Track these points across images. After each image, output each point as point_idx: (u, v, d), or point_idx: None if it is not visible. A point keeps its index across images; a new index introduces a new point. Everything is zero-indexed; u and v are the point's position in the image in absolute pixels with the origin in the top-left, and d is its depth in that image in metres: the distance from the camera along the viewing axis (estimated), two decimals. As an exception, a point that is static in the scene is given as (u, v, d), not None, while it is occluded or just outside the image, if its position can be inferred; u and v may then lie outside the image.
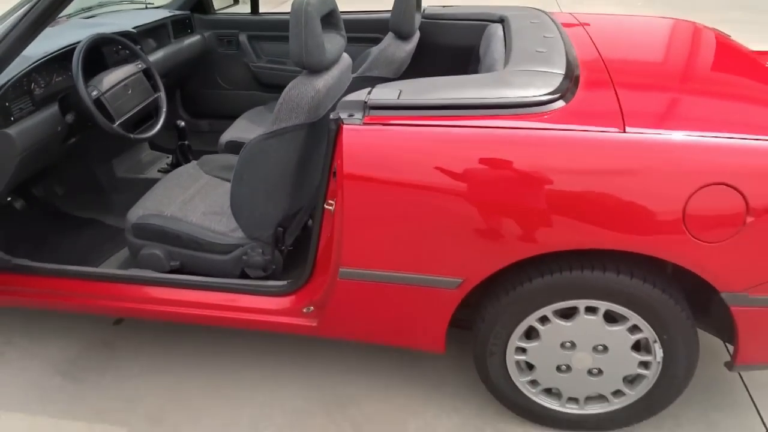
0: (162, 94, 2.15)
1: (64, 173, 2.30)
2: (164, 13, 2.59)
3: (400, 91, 1.45)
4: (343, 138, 1.40)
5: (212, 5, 2.77)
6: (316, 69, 1.58)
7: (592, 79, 1.54)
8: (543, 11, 2.17)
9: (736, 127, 1.34)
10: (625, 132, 1.32)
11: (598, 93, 1.48)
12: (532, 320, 1.52)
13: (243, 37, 2.71)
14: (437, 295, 1.50)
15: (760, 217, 1.28)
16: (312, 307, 1.66)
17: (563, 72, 1.52)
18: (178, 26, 2.63)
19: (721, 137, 1.30)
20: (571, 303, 1.47)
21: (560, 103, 1.39)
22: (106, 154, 2.38)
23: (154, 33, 2.49)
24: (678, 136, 1.31)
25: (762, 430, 1.67)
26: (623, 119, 1.34)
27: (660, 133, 1.32)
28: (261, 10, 2.77)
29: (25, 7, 1.49)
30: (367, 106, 1.42)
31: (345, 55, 1.83)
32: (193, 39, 2.67)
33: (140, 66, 2.06)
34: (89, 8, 2.53)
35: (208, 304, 1.74)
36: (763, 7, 6.74)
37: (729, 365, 1.52)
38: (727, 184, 1.28)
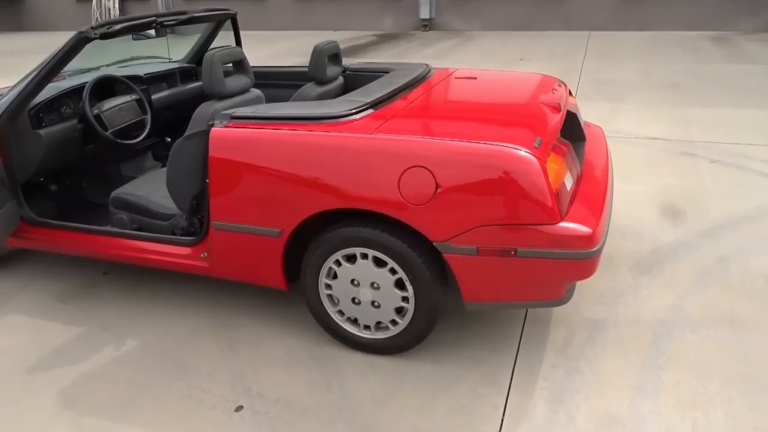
0: (147, 117, 3.13)
1: (87, 171, 3.31)
2: (175, 65, 3.63)
3: (256, 109, 2.29)
4: (211, 135, 2.25)
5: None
6: (217, 96, 2.46)
7: (389, 108, 2.30)
8: (427, 66, 2.99)
9: (444, 134, 2.05)
10: (371, 135, 2.07)
11: (380, 115, 2.24)
12: (330, 263, 2.24)
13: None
14: (268, 242, 2.27)
15: (443, 190, 1.97)
16: (206, 254, 2.47)
17: (368, 101, 2.30)
18: (185, 74, 3.65)
19: (425, 139, 2.02)
20: (351, 250, 2.18)
21: (351, 118, 2.17)
22: (115, 160, 3.39)
23: (166, 78, 3.52)
24: (400, 137, 2.04)
25: (512, 361, 2.24)
26: (378, 128, 2.09)
27: (389, 137, 2.05)
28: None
29: (42, 62, 2.50)
30: (230, 117, 2.27)
31: (256, 91, 2.70)
32: (195, 84, 3.68)
33: (134, 97, 3.06)
34: (128, 59, 3.61)
35: (148, 250, 2.59)
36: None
37: (465, 304, 2.15)
38: (422, 166, 1.98)
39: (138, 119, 3.06)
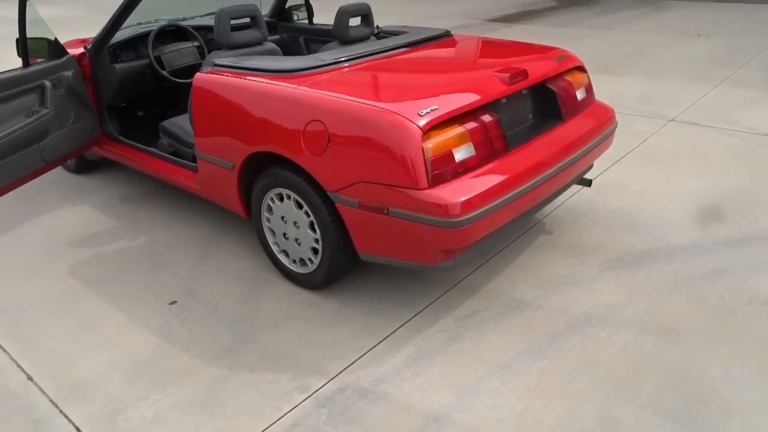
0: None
1: (162, 101, 3.99)
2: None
3: (238, 60, 2.66)
4: (194, 78, 2.68)
5: (292, 17, 4.21)
6: (224, 46, 2.88)
7: (342, 67, 2.52)
8: (440, 32, 3.12)
9: (348, 92, 2.21)
10: (296, 88, 2.32)
11: (327, 72, 2.46)
12: (267, 199, 2.56)
13: (301, 39, 4.10)
14: (227, 174, 2.67)
15: (333, 143, 2.15)
16: (200, 179, 2.96)
17: (328, 60, 2.53)
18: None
19: (327, 94, 2.21)
20: (279, 190, 2.48)
21: (300, 73, 2.44)
22: (182, 94, 3.99)
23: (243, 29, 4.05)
24: (312, 92, 2.26)
25: (408, 317, 2.38)
26: (307, 84, 2.33)
27: (306, 90, 2.28)
28: (315, 21, 4.12)
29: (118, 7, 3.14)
30: (212, 64, 2.67)
31: (270, 45, 3.07)
32: (273, 38, 4.16)
33: (195, 44, 3.62)
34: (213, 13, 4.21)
35: (168, 170, 3.16)
36: None
37: (359, 254, 2.33)
38: (319, 120, 2.19)
39: (196, 62, 3.63)
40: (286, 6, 4.16)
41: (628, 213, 3.18)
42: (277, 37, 4.19)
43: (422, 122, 2.05)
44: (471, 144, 2.17)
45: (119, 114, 3.83)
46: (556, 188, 2.51)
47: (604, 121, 2.77)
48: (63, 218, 3.37)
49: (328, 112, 2.19)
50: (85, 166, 3.93)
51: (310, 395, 2.03)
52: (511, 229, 2.59)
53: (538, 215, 3.18)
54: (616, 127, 2.89)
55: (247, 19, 3.46)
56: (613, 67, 6.31)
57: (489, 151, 2.24)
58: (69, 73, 3.20)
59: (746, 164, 3.72)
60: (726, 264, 2.69)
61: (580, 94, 2.77)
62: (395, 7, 11.71)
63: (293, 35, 4.18)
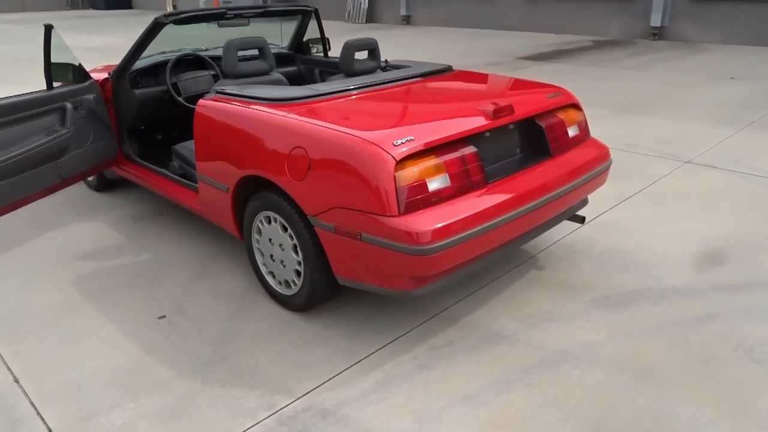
0: None
1: (180, 126, 4.18)
2: (275, 50, 4.31)
3: (241, 89, 2.80)
4: (198, 103, 2.83)
5: (309, 50, 4.37)
6: (231, 75, 3.03)
7: (336, 97, 2.63)
8: (441, 67, 3.20)
9: (330, 121, 2.30)
10: (284, 116, 2.42)
11: (318, 102, 2.57)
12: (257, 221, 2.65)
13: (316, 71, 4.25)
14: (222, 196, 2.78)
15: (314, 169, 2.24)
16: (200, 201, 3.09)
17: (321, 91, 2.64)
18: (282, 59, 4.31)
19: (309, 122, 2.30)
20: (267, 213, 2.57)
21: (291, 102, 2.55)
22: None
23: None
24: (297, 119, 2.36)
25: (385, 343, 2.40)
26: (296, 112, 2.44)
27: (291, 118, 2.38)
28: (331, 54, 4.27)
29: (135, 41, 3.35)
30: (216, 92, 2.82)
31: (277, 75, 3.21)
32: (291, 68, 4.33)
33: (212, 72, 3.80)
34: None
35: (174, 191, 3.30)
36: None
37: (337, 279, 2.38)
38: (301, 146, 2.28)
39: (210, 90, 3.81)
40: (304, 39, 4.33)
41: (625, 253, 3.14)
42: (294, 68, 4.36)
43: (396, 152, 2.12)
44: (447, 175, 2.22)
45: (141, 137, 4.03)
46: (538, 223, 2.52)
47: (595, 158, 2.78)
48: (76, 233, 3.54)
49: (310, 139, 2.28)
50: (105, 184, 4.13)
51: (274, 413, 2.07)
52: (500, 262, 2.59)
53: (532, 250, 3.18)
54: (609, 164, 2.89)
55: (256, 51, 3.63)
56: (638, 107, 6.27)
57: (466, 182, 2.28)
58: (91, 96, 3.40)
59: (759, 209, 3.64)
60: (718, 309, 2.62)
61: (572, 131, 2.80)
62: (433, 43, 11.95)
63: (309, 67, 4.34)
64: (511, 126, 2.59)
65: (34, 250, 3.34)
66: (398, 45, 11.95)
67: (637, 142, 5.06)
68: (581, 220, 3.01)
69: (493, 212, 2.24)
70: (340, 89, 2.72)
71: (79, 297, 2.84)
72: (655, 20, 11.58)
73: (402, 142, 2.15)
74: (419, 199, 2.13)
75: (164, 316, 2.67)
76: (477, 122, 2.40)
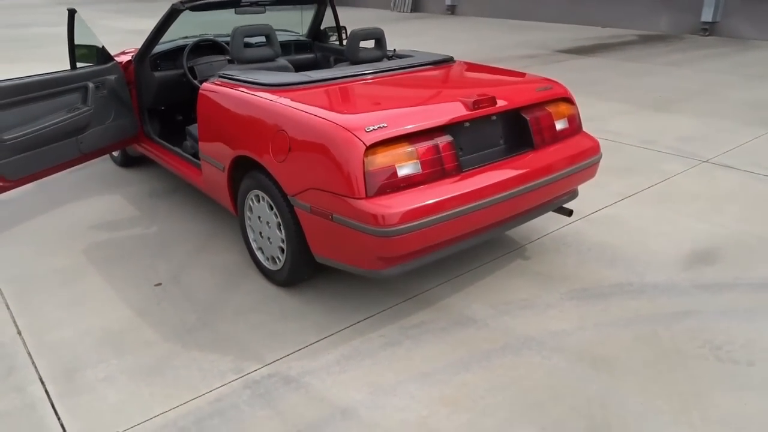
0: None
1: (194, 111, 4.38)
2: (293, 37, 4.45)
3: (241, 73, 2.94)
4: (201, 87, 2.99)
5: (327, 38, 4.49)
6: (237, 61, 3.18)
7: (331, 84, 2.74)
8: (441, 58, 3.27)
9: (313, 105, 2.41)
10: (273, 99, 2.55)
11: (310, 88, 2.68)
12: (249, 200, 2.80)
13: (332, 59, 4.37)
14: (219, 174, 2.93)
15: (293, 151, 2.36)
16: (203, 179, 3.26)
17: (315, 77, 2.76)
18: (300, 46, 4.45)
19: (292, 105, 2.42)
20: (256, 192, 2.71)
21: (285, 87, 2.68)
22: None
23: (282, 47, 4.37)
24: (283, 103, 2.48)
25: (358, 320, 2.52)
26: (286, 97, 2.57)
27: (279, 102, 2.51)
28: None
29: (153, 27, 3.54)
30: (219, 76, 2.97)
31: (283, 61, 3.35)
32: (308, 56, 4.46)
33: (227, 57, 3.97)
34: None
35: (182, 166, 3.48)
36: None
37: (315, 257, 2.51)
38: (283, 129, 2.40)
39: None
40: (322, 27, 4.45)
41: (615, 248, 3.15)
42: (311, 55, 4.49)
43: (367, 137, 2.21)
44: (418, 162, 2.30)
45: (162, 117, 4.25)
46: (514, 212, 2.58)
47: (581, 152, 2.80)
48: (94, 205, 3.79)
49: (291, 122, 2.41)
50: (128, 160, 4.38)
51: (241, 377, 2.21)
52: (478, 247, 2.64)
53: (521, 240, 3.22)
54: (598, 159, 2.91)
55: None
56: (669, 104, 6.14)
57: (438, 170, 2.35)
58: (112, 77, 3.62)
59: (767, 211, 3.56)
60: (695, 307, 2.62)
61: (560, 125, 2.82)
62: (471, 34, 11.89)
63: (326, 55, 4.46)
64: (494, 117, 2.64)
65: (51, 220, 3.59)
66: (435, 35, 11.95)
67: (658, 139, 4.98)
68: (568, 213, 3.03)
69: (462, 200, 2.32)
70: (332, 77, 2.82)
71: (86, 263, 3.06)
72: (707, 15, 11.17)
73: (374, 129, 2.25)
74: (387, 183, 2.23)
75: (160, 284, 2.86)
76: (456, 112, 2.47)
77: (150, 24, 14.21)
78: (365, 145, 2.20)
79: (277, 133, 2.46)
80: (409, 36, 12.06)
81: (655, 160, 4.49)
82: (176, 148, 3.64)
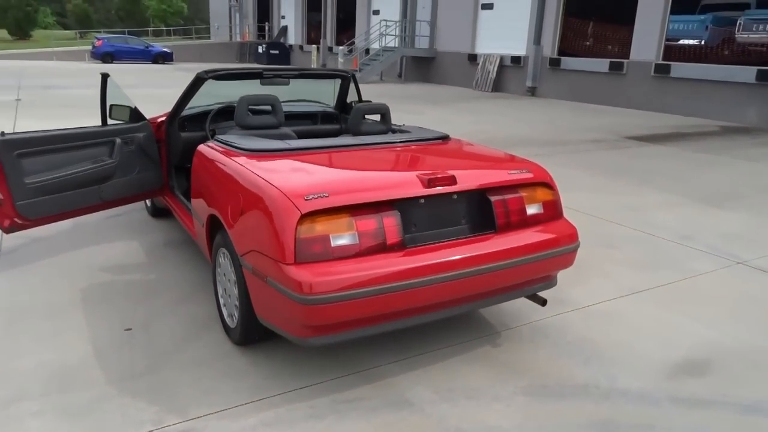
0: None
1: None
2: (320, 108, 4.67)
3: (232, 139, 3.13)
4: (197, 148, 3.20)
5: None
6: (240, 126, 3.39)
7: (306, 153, 2.85)
8: (435, 135, 3.32)
9: (266, 173, 2.51)
10: (240, 166, 2.68)
11: (286, 156, 2.80)
12: (219, 255, 2.91)
13: (353, 131, 4.53)
14: (201, 228, 3.08)
15: (245, 212, 2.45)
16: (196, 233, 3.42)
17: (292, 146, 2.89)
18: (327, 116, 4.65)
19: (247, 171, 2.53)
20: (223, 249, 2.81)
21: (260, 153, 2.83)
22: None
23: (304, 116, 4.59)
24: (245, 170, 2.60)
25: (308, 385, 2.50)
26: (253, 164, 2.70)
27: (243, 169, 2.63)
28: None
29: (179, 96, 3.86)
30: (215, 138, 3.18)
31: (286, 130, 3.53)
32: (333, 126, 4.65)
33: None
34: (296, 99, 4.83)
35: (187, 220, 3.69)
36: None
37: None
38: (239, 193, 2.51)
39: None
40: (348, 101, 4.65)
41: (597, 346, 2.93)
42: (336, 126, 4.68)
43: (304, 206, 2.26)
44: (356, 233, 2.31)
45: (188, 174, 4.55)
46: (465, 294, 2.50)
47: (552, 240, 2.69)
48: (113, 249, 4.07)
49: (246, 185, 2.52)
50: (157, 211, 4.69)
51: (157, 429, 2.24)
52: (455, 331, 2.60)
53: (498, 326, 3.08)
54: (574, 248, 2.78)
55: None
56: (723, 199, 5.76)
57: (378, 243, 2.35)
58: (141, 134, 3.96)
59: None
60: (659, 422, 2.37)
61: (532, 209, 2.74)
62: (542, 116, 11.87)
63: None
64: (455, 196, 2.61)
65: (70, 258, 3.89)
66: (507, 114, 12.03)
67: (697, 235, 4.66)
68: (542, 302, 2.89)
69: (396, 276, 2.28)
70: (312, 146, 2.93)
71: (78, 301, 3.26)
72: (799, 110, 10.52)
73: (314, 198, 2.30)
74: (317, 252, 2.25)
75: (130, 329, 2.98)
76: (409, 188, 2.48)
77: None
78: (300, 212, 2.25)
79: (235, 194, 2.57)
80: (481, 114, 12.23)
81: (685, 257, 4.19)
82: (187, 202, 3.87)
